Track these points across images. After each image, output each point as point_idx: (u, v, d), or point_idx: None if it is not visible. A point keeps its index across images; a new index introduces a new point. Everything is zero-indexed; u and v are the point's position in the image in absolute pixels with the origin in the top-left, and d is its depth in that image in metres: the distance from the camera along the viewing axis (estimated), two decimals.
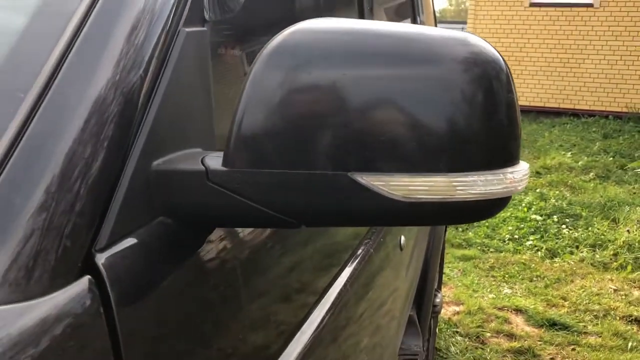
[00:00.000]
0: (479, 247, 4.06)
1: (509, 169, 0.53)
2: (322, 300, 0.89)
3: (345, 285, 0.98)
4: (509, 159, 0.54)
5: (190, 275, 0.57)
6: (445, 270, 3.56)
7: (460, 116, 0.51)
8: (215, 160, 0.53)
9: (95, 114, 0.47)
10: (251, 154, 0.51)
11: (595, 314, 3.22)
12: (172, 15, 0.56)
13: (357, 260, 1.06)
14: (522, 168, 0.55)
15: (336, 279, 0.97)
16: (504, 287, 3.53)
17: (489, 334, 3.02)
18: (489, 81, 0.52)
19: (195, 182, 0.52)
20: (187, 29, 0.57)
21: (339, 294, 0.94)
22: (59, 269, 0.43)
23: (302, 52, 0.51)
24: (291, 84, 0.51)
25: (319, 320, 0.85)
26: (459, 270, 3.75)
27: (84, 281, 0.44)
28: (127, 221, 0.49)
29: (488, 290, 3.49)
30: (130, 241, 0.49)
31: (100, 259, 0.46)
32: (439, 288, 2.86)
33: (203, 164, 0.53)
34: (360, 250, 1.10)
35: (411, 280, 1.69)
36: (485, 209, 0.54)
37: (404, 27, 0.54)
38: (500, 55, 0.54)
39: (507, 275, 3.67)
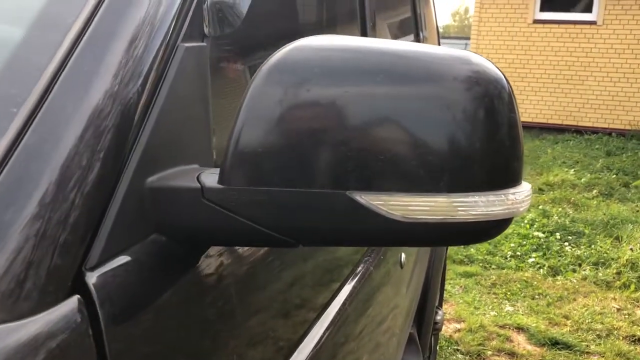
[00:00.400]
0: (480, 264, 4.03)
1: (511, 190, 0.52)
2: (321, 317, 0.88)
3: (345, 302, 0.96)
4: (511, 180, 0.53)
5: (184, 294, 0.55)
6: (447, 286, 3.54)
7: (462, 135, 0.50)
8: (211, 178, 0.52)
9: (90, 127, 0.47)
10: (248, 171, 0.50)
11: (598, 333, 3.19)
12: (171, 30, 0.56)
13: (357, 277, 1.05)
14: (525, 189, 0.54)
15: (336, 296, 0.95)
16: (505, 305, 3.50)
17: (490, 352, 2.99)
18: (491, 100, 0.51)
19: (190, 199, 0.52)
20: (186, 44, 0.57)
21: (339, 310, 0.93)
22: (48, 289, 0.42)
23: (301, 69, 0.50)
24: (290, 100, 0.50)
25: (318, 337, 0.84)
26: (461, 287, 3.72)
27: (73, 301, 0.43)
28: (120, 239, 0.48)
29: (490, 307, 3.46)
30: (122, 259, 0.48)
31: (91, 277, 0.45)
32: (440, 305, 2.84)
33: (198, 181, 0.52)
34: (360, 268, 1.08)
35: (411, 297, 1.67)
36: (486, 230, 0.53)
37: (406, 45, 0.53)
38: (503, 74, 0.54)
39: (509, 293, 3.65)
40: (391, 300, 1.34)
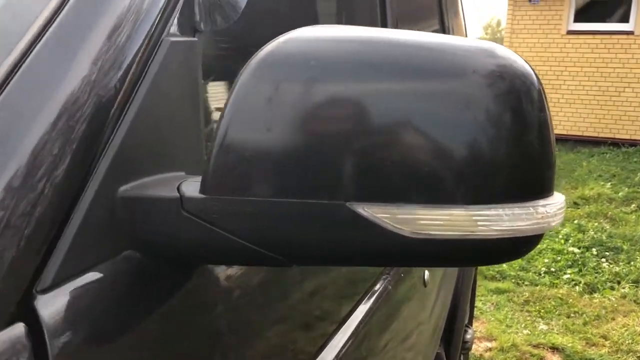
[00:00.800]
0: (513, 280, 3.89)
1: (541, 202, 0.45)
2: (337, 334, 0.82)
3: (361, 322, 0.90)
4: (541, 190, 0.45)
5: (167, 321, 0.49)
6: (477, 303, 3.41)
7: (484, 138, 0.43)
8: (192, 186, 0.46)
9: (55, 125, 0.41)
10: (233, 179, 0.44)
11: (639, 355, 3.02)
12: (155, 22, 0.50)
13: (375, 295, 0.98)
14: (557, 201, 0.46)
15: (352, 315, 0.89)
16: (539, 323, 3.36)
17: None
18: (517, 98, 0.44)
19: (168, 211, 0.45)
20: (173, 39, 0.51)
21: (355, 330, 0.87)
22: None
23: (296, 63, 0.44)
24: (283, 98, 0.43)
25: (334, 353, 0.78)
26: (492, 304, 3.59)
27: (15, 330, 0.37)
28: (83, 255, 0.42)
29: (522, 325, 3.33)
30: (84, 280, 0.42)
31: (42, 301, 0.38)
32: (470, 323, 2.72)
33: (178, 191, 0.46)
34: (378, 285, 1.01)
35: (438, 316, 1.58)
36: (512, 248, 0.46)
37: (419, 35, 0.46)
38: (532, 68, 0.46)
39: (543, 310, 3.50)
40: (413, 320, 1.26)
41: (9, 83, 0.40)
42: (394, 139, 0.43)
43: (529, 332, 3.24)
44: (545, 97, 0.46)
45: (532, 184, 0.45)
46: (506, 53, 0.45)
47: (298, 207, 0.43)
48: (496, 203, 0.43)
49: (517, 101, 0.43)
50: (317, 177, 0.43)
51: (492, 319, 3.39)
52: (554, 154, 0.46)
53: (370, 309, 0.94)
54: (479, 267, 3.23)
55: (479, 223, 0.43)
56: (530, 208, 0.44)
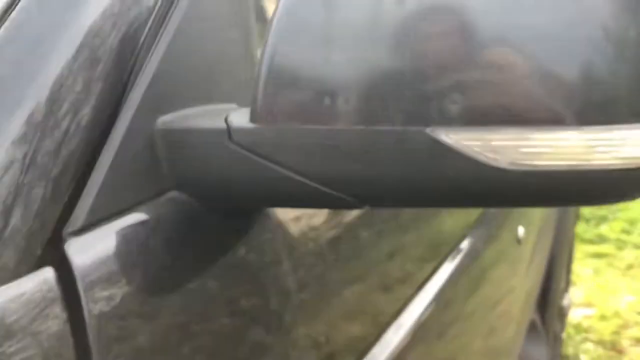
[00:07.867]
0: (614, 244, 3.63)
1: None
2: (420, 294, 0.76)
3: (447, 280, 0.83)
4: None
5: (220, 275, 0.43)
6: (575, 268, 3.21)
7: (602, 39, 0.33)
8: (242, 116, 0.39)
9: (82, 47, 0.35)
10: (287, 104, 0.37)
11: None
12: None
13: (461, 254, 0.90)
14: None
15: (436, 273, 0.82)
16: None
17: (627, 343, 2.67)
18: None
19: (214, 144, 0.39)
20: None
21: (442, 289, 0.81)
22: (4, 258, 0.31)
23: None
24: (341, 5, 0.36)
25: (417, 314, 0.73)
26: (591, 269, 3.37)
27: (44, 275, 0.32)
28: (119, 195, 0.36)
29: (625, 292, 3.10)
30: (121, 223, 0.36)
31: (73, 245, 0.34)
32: (567, 289, 2.57)
33: (225, 121, 0.39)
34: (465, 243, 0.93)
35: (533, 278, 1.47)
36: (634, 183, 0.36)
37: None
38: None
39: None
40: (506, 281, 1.16)
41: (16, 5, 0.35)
42: (484, 48, 0.34)
43: (634, 299, 3.02)
44: None
45: None
46: None
47: (366, 136, 0.36)
48: (618, 124, 0.34)
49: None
50: (388, 99, 0.35)
51: (591, 284, 3.18)
52: None
53: (455, 270, 0.86)
54: (576, 230, 3.02)
55: (596, 150, 0.34)
56: None
